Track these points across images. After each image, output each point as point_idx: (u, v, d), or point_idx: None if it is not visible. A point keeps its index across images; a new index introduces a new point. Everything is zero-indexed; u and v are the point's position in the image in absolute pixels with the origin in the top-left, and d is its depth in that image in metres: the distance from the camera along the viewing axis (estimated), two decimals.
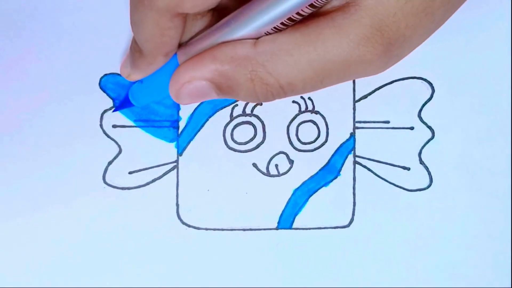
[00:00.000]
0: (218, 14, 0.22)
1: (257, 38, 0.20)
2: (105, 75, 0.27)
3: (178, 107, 0.28)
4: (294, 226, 0.28)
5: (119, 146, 0.28)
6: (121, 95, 0.27)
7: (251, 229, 0.28)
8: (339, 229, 0.28)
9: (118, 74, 0.27)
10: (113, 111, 0.27)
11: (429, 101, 0.28)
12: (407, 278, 0.29)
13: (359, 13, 0.19)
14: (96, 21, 0.27)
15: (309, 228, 0.28)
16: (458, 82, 0.29)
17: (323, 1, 0.19)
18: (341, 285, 0.28)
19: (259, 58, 0.20)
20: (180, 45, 0.22)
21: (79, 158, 0.27)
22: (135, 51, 0.23)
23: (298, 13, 0.19)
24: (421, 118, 0.28)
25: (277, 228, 0.28)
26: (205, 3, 0.20)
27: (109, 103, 0.28)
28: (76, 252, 0.28)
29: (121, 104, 0.27)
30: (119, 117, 0.28)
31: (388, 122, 0.28)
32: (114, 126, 0.28)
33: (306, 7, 0.19)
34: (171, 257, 0.28)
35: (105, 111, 0.28)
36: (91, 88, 0.27)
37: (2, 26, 0.27)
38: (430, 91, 0.28)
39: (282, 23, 0.20)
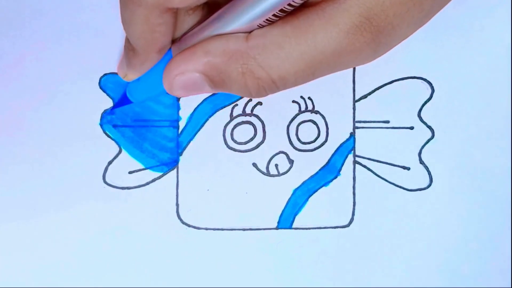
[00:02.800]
0: (210, 9, 0.22)
1: (250, 32, 0.20)
2: (105, 74, 0.27)
3: (178, 107, 0.28)
4: (294, 226, 0.28)
5: (119, 145, 0.28)
6: (120, 94, 0.27)
7: (251, 229, 0.28)
8: (339, 229, 0.28)
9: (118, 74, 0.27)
10: (112, 109, 0.27)
11: (428, 100, 0.28)
12: (407, 278, 0.29)
13: (348, 2, 0.19)
14: (96, 21, 0.27)
15: (309, 228, 0.28)
16: (457, 81, 0.29)
17: None
18: (341, 285, 0.28)
19: (250, 52, 0.20)
20: (174, 41, 0.22)
21: (79, 158, 0.27)
22: (129, 50, 0.23)
23: (289, 4, 0.20)
24: (421, 117, 0.28)
25: (277, 228, 0.28)
26: None
27: (109, 102, 0.28)
28: (76, 252, 0.28)
29: (119, 101, 0.27)
30: (119, 117, 0.28)
31: (388, 122, 0.28)
32: (115, 126, 0.28)
33: None
34: (171, 257, 0.28)
35: (105, 110, 0.28)
36: (91, 87, 0.27)
37: (2, 25, 0.27)
38: (429, 90, 0.28)
39: (273, 15, 0.20)
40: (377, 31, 0.20)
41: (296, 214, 0.28)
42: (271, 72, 0.20)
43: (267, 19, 0.20)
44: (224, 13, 0.21)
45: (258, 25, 0.20)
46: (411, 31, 0.21)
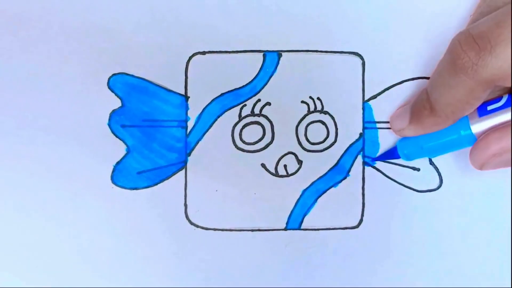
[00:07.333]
0: None
1: None
2: (114, 74, 0.27)
3: (186, 107, 0.28)
4: (302, 226, 0.28)
5: (127, 145, 0.27)
6: (131, 95, 0.27)
7: (259, 230, 0.28)
8: (348, 229, 0.28)
9: (126, 74, 0.27)
10: (374, 159, 0.28)
11: None
12: (415, 278, 0.28)
13: None
14: (105, 21, 0.27)
15: (318, 229, 0.28)
16: None
17: None
18: (349, 286, 0.28)
19: None
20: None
21: (88, 158, 0.27)
22: (424, 109, 0.23)
23: None
24: None
25: (285, 229, 0.28)
26: None
27: (117, 102, 0.27)
28: (85, 252, 0.27)
29: (386, 154, 0.27)
30: (127, 117, 0.27)
31: None
32: (123, 126, 0.27)
33: None
34: (180, 257, 0.28)
35: (113, 110, 0.27)
36: (100, 87, 0.27)
37: (12, 25, 0.27)
38: None
39: None
40: None
41: (305, 215, 0.28)
42: None
43: None
44: None
45: None
46: None
